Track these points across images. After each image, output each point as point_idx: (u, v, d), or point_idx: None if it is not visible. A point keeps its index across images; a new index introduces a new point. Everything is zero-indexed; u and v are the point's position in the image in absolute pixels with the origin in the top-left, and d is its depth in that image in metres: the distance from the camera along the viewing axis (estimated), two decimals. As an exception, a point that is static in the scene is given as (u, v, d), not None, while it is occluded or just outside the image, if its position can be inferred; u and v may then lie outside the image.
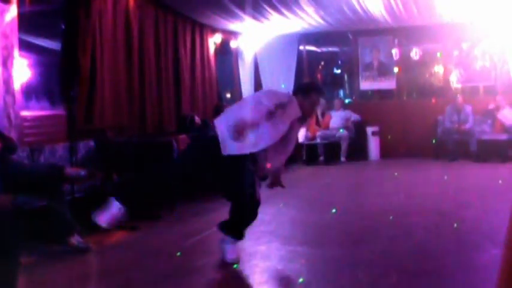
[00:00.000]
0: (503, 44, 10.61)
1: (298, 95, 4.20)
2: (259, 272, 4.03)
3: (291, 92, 4.37)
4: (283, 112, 4.02)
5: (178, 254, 4.43)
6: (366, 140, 11.30)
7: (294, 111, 4.10)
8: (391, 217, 5.58)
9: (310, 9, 8.92)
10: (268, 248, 4.62)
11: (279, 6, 8.59)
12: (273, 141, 3.98)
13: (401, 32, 11.18)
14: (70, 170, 4.66)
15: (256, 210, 4.13)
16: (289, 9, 8.84)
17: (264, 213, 5.74)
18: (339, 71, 12.94)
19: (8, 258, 3.07)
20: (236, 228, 4.18)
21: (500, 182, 7.20)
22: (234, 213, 4.14)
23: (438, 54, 11.41)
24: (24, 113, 5.70)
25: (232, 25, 10.16)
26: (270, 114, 3.94)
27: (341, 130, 11.02)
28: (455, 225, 5.08)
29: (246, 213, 4.11)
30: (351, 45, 12.08)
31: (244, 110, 4.03)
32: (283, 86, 11.44)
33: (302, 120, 4.29)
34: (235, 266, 4.05)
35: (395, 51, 11.46)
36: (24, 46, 5.76)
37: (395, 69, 11.61)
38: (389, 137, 10.97)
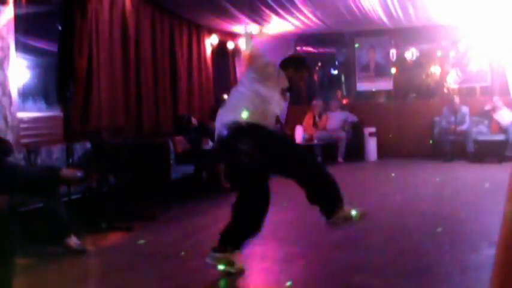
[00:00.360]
0: (499, 45, 10.63)
1: (290, 68, 4.21)
2: (256, 274, 4.03)
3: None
4: (276, 83, 4.07)
5: (183, 253, 4.42)
6: (363, 140, 11.31)
7: (282, 82, 4.14)
8: (387, 218, 5.59)
9: (306, 10, 8.93)
10: (265, 249, 4.62)
11: (275, 7, 8.59)
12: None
13: (398, 33, 11.20)
14: (66, 172, 4.66)
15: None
16: (286, 10, 8.84)
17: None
18: (336, 72, 12.95)
19: (4, 260, 3.07)
20: (241, 233, 3.95)
21: (487, 185, 7.19)
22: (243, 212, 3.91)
23: (438, 54, 11.41)
24: (21, 115, 5.69)
25: (229, 26, 10.16)
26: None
27: (338, 131, 11.03)
28: (439, 229, 5.07)
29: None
30: (348, 46, 12.10)
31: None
32: None
33: (288, 93, 4.33)
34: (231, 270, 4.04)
35: (392, 52, 11.48)
36: (21, 47, 5.75)
37: (392, 70, 11.63)
38: (390, 135, 10.98)
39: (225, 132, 3.88)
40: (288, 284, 3.67)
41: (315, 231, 5.30)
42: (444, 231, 4.99)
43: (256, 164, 3.79)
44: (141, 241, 4.95)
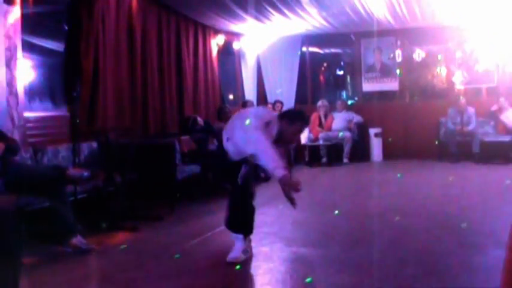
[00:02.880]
0: (506, 46, 10.60)
1: (284, 120, 4.28)
2: (261, 274, 4.03)
3: (276, 114, 4.50)
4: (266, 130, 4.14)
5: (177, 256, 4.42)
6: (369, 141, 11.30)
7: (273, 131, 4.20)
8: (394, 218, 5.57)
9: (313, 11, 8.93)
10: (271, 250, 4.62)
11: (281, 7, 8.59)
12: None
13: (404, 34, 11.18)
14: (73, 171, 4.67)
15: (248, 200, 4.32)
16: (292, 10, 8.84)
17: (267, 214, 5.76)
18: (341, 73, 12.94)
19: (11, 259, 3.07)
20: (233, 220, 4.31)
21: (508, 181, 7.16)
22: (228, 205, 4.36)
23: (439, 57, 11.40)
24: (27, 114, 5.71)
25: (235, 26, 10.17)
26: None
27: (343, 132, 11.01)
28: (464, 224, 5.05)
29: (237, 202, 4.29)
30: (354, 47, 12.08)
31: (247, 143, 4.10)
32: (278, 91, 11.48)
33: (281, 144, 4.32)
34: (237, 267, 4.05)
35: (397, 53, 11.46)
36: (27, 47, 5.76)
37: (398, 71, 11.61)
38: (390, 139, 10.97)
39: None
40: (308, 280, 3.68)
41: (321, 232, 5.30)
42: (451, 232, 4.98)
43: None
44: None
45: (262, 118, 4.18)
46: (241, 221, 4.32)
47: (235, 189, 4.30)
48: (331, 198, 7.24)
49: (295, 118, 4.30)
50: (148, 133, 7.78)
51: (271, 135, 4.14)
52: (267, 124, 4.13)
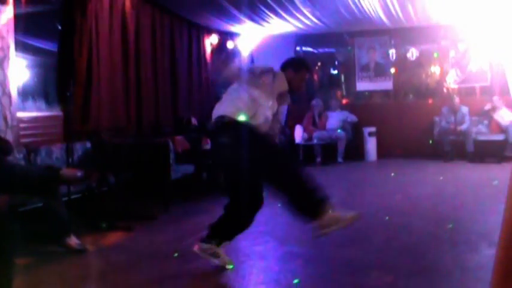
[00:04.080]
0: (499, 45, 10.63)
1: (289, 69, 4.20)
2: (255, 273, 4.03)
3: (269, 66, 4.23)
4: (272, 84, 4.04)
5: (176, 255, 4.43)
6: (363, 140, 11.32)
7: (282, 84, 4.12)
8: (387, 217, 5.59)
9: (306, 10, 8.93)
10: (265, 249, 4.63)
11: (275, 7, 8.59)
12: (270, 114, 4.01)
13: (398, 33, 11.20)
14: (66, 171, 4.66)
15: (258, 208, 4.03)
16: (286, 10, 8.84)
17: (261, 213, 5.73)
18: (335, 72, 12.93)
19: (4, 259, 3.07)
20: (231, 228, 4.09)
21: (495, 182, 7.22)
22: (233, 211, 4.00)
23: (435, 55, 11.43)
24: (21, 114, 5.70)
25: (229, 26, 10.16)
26: (252, 75, 4.03)
27: (338, 131, 11.04)
28: (449, 225, 5.09)
29: (247, 209, 3.97)
30: (348, 46, 12.10)
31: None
32: None
33: (289, 95, 4.29)
34: (231, 266, 4.05)
35: (391, 52, 11.48)
36: (21, 47, 5.75)
37: (392, 70, 11.64)
38: (386, 139, 11.01)
39: (211, 126, 4.04)
40: (295, 281, 3.69)
41: (315, 231, 5.30)
42: (444, 231, 5.00)
43: (240, 158, 3.77)
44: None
45: (253, 70, 4.16)
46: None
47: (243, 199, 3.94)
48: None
49: (299, 66, 4.27)
50: (142, 133, 7.77)
51: (281, 88, 4.09)
52: (267, 74, 4.04)
